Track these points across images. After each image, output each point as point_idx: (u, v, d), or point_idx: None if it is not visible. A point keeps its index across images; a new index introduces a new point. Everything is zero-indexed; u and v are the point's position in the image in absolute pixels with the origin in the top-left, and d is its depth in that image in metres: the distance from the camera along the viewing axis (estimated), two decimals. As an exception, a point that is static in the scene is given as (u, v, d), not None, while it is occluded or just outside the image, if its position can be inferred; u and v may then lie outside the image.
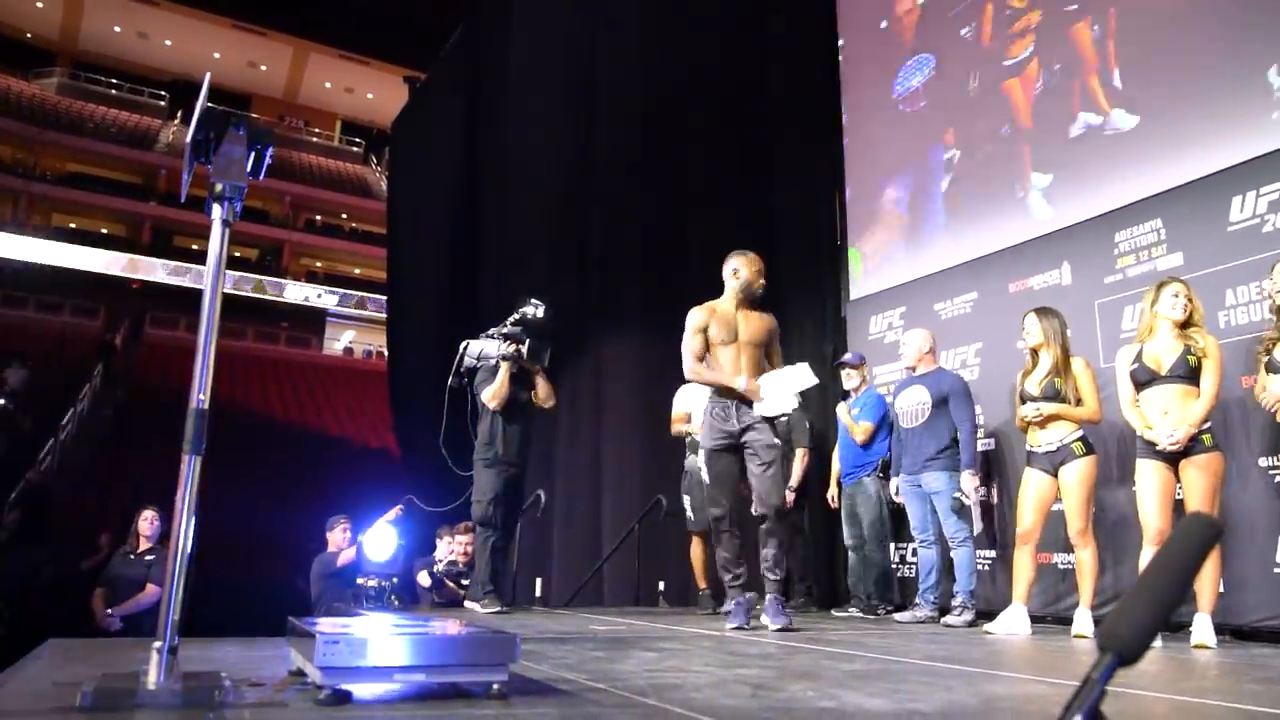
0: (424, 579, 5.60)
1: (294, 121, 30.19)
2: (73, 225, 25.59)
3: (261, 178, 1.70)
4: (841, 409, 5.15)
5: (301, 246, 27.86)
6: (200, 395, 1.56)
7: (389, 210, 14.08)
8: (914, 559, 5.09)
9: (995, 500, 4.88)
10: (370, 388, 20.44)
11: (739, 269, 3.93)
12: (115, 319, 21.85)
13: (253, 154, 1.63)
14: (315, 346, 25.84)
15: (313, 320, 26.75)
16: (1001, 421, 4.84)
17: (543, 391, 4.78)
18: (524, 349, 4.58)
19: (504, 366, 4.60)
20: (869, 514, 4.92)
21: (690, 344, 3.87)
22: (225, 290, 1.66)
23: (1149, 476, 3.40)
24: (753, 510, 3.70)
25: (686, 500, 5.15)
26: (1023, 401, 3.90)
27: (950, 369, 4.99)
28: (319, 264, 28.64)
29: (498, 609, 4.35)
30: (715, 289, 5.23)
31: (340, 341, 27.28)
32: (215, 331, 1.60)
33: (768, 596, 3.65)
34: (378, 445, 17.39)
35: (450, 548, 5.83)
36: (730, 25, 7.12)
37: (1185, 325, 3.46)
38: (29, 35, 26.76)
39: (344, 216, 28.75)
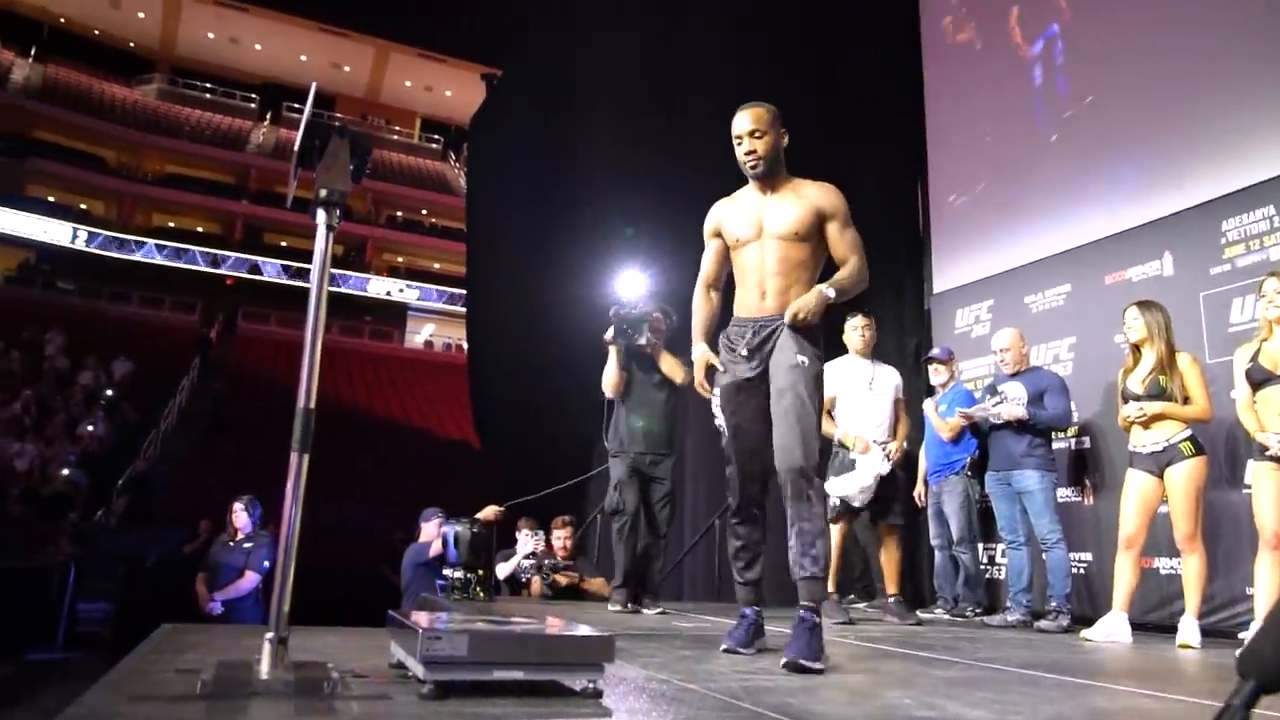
0: (501, 572, 5.62)
1: (375, 120, 30.98)
2: (171, 224, 26.82)
3: (360, 181, 1.75)
4: (928, 405, 4.99)
5: (384, 242, 28.61)
6: (307, 395, 1.61)
7: (468, 205, 14.33)
8: (1003, 560, 4.95)
9: (1091, 501, 4.70)
10: (450, 380, 20.91)
11: (737, 130, 2.77)
12: (211, 314, 22.82)
13: (354, 160, 1.67)
14: (397, 340, 26.52)
15: (395, 314, 27.46)
16: (1098, 418, 4.66)
17: (665, 367, 4.32)
18: (615, 330, 4.27)
19: (611, 351, 4.34)
20: (956, 513, 4.78)
21: (703, 261, 2.96)
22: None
23: (1264, 480, 3.23)
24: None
25: (833, 479, 4.66)
26: (1125, 400, 3.73)
27: (1044, 365, 4.82)
28: (400, 259, 29.37)
29: (618, 608, 4.09)
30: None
31: (421, 335, 27.94)
32: (321, 332, 1.65)
33: (798, 608, 2.46)
34: (458, 436, 17.78)
35: (530, 541, 5.59)
36: (807, 14, 7.01)
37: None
38: (131, 45, 28.11)
39: (424, 212, 29.40)
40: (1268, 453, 3.21)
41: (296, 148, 1.64)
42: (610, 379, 4.32)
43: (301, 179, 1.80)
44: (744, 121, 2.77)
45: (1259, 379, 3.31)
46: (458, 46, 26.57)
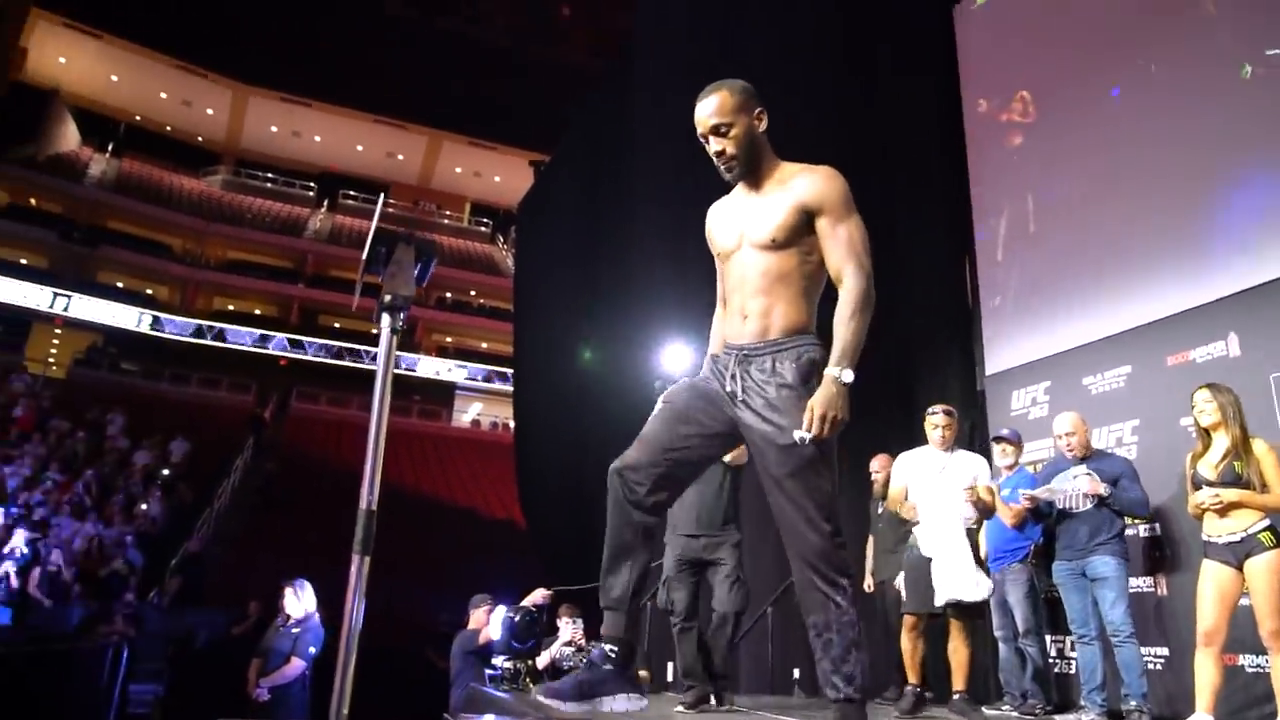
0: (541, 660, 5.45)
1: (427, 205, 32.01)
2: (231, 307, 27.76)
3: (424, 285, 1.79)
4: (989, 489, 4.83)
5: (433, 323, 29.20)
6: (370, 496, 1.62)
7: (515, 286, 14.61)
8: (1072, 654, 4.72)
9: (1165, 591, 4.49)
10: (496, 459, 20.98)
11: (699, 126, 2.29)
12: (266, 394, 23.36)
13: (418, 266, 1.72)
14: (445, 419, 26.80)
15: (443, 393, 27.82)
16: (1167, 505, 4.48)
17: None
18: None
19: None
20: (1021, 603, 4.57)
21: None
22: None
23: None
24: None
25: (901, 578, 4.64)
26: (1196, 487, 3.59)
27: (1109, 449, 4.68)
28: (449, 339, 29.91)
29: (682, 710, 3.74)
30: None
31: (468, 414, 28.21)
32: (384, 432, 1.67)
33: None
34: (504, 516, 17.73)
35: (569, 628, 5.32)
36: (850, 88, 7.14)
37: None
38: (200, 139, 29.65)
39: (472, 293, 30.03)
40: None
41: (364, 255, 1.69)
42: None
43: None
44: (705, 113, 2.25)
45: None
46: (506, 134, 27.56)
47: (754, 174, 2.28)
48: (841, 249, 2.17)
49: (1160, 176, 4.98)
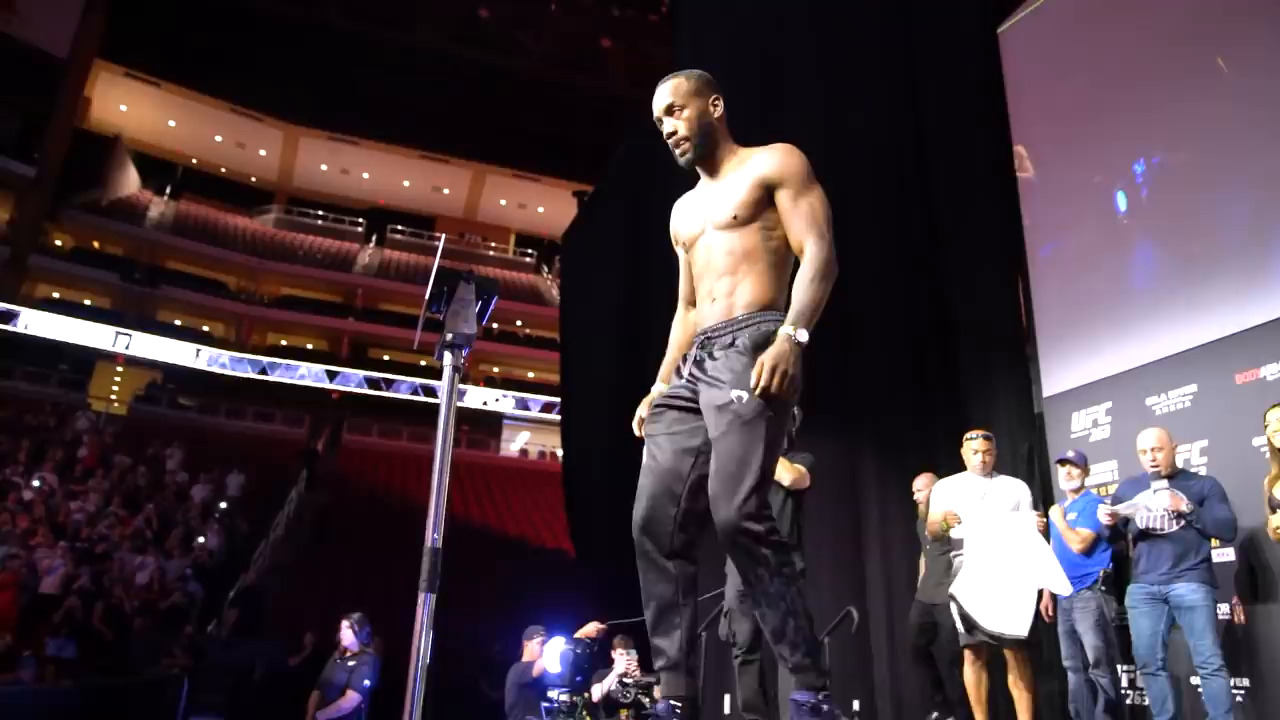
0: (595, 693, 5.38)
1: (473, 237, 32.50)
2: (283, 342, 28.40)
3: (484, 323, 1.81)
4: (1055, 513, 4.65)
5: (480, 353, 29.53)
6: (435, 534, 1.63)
7: (560, 316, 14.73)
8: (1143, 684, 4.53)
9: (1243, 619, 4.31)
10: (545, 488, 21.04)
11: (654, 110, 2.29)
12: (318, 427, 23.78)
13: (479, 303, 1.74)
14: (493, 448, 26.99)
15: (490, 423, 28.05)
16: (1244, 529, 4.31)
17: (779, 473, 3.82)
18: None
19: None
20: (1091, 632, 4.41)
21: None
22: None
23: None
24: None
25: (954, 608, 4.49)
26: (1273, 510, 3.46)
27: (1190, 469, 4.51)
28: (496, 369, 30.21)
29: None
30: (881, 388, 4.95)
31: (515, 443, 28.38)
32: (448, 470, 1.68)
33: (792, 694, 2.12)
34: (553, 545, 17.74)
35: (624, 660, 5.27)
36: (895, 113, 7.10)
37: None
38: (253, 179, 30.55)
39: (518, 323, 30.32)
40: None
41: (427, 293, 1.72)
42: None
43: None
44: (659, 95, 2.24)
45: None
46: (549, 166, 27.94)
47: (710, 160, 2.27)
48: (803, 220, 2.13)
49: (1225, 190, 4.85)
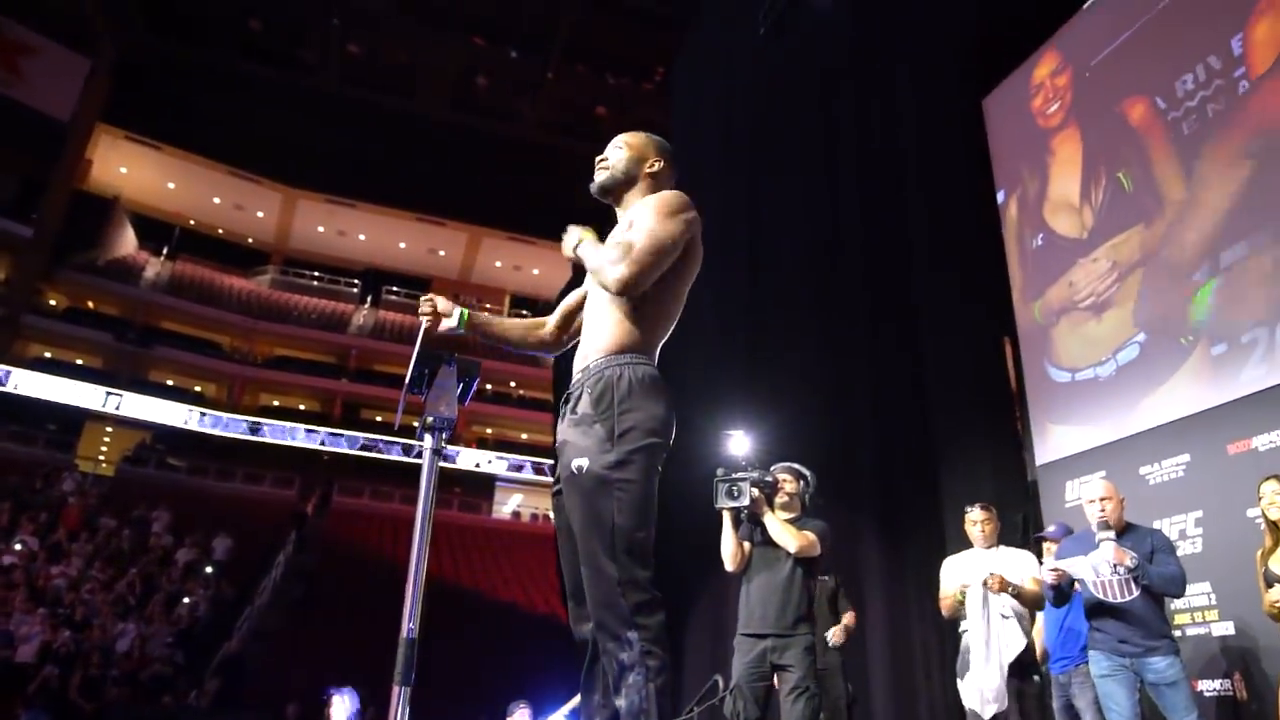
0: None
1: (467, 299, 32.64)
2: (275, 403, 28.29)
3: (467, 404, 1.80)
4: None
5: (473, 415, 29.42)
6: (410, 625, 1.58)
7: (554, 377, 14.69)
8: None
9: (1244, 695, 4.22)
10: (537, 550, 20.77)
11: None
12: (309, 488, 23.54)
13: (461, 384, 1.73)
14: (485, 511, 26.71)
15: (483, 485, 27.81)
16: (1240, 602, 4.25)
17: (772, 531, 3.80)
18: (719, 494, 3.82)
19: (724, 518, 3.88)
20: (1090, 710, 4.27)
21: None
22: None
23: None
24: None
25: (962, 685, 4.31)
26: (1268, 585, 3.41)
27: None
28: (489, 430, 30.07)
29: None
30: (875, 461, 4.90)
31: (508, 505, 28.09)
32: (426, 555, 1.64)
33: None
34: (545, 610, 17.44)
35: None
36: (879, 180, 7.22)
37: None
38: (250, 240, 30.81)
39: (512, 384, 30.31)
40: None
41: (408, 378, 1.71)
42: (724, 550, 3.87)
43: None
44: (616, 139, 2.36)
45: None
46: (544, 229, 28.25)
47: (620, 200, 2.32)
48: (625, 239, 2.09)
49: (1207, 254, 4.91)
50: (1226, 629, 4.34)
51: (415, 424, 1.76)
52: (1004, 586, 3.99)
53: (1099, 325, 5.58)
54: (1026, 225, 6.36)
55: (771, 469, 4.03)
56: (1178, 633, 4.50)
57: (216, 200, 28.80)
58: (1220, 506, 4.47)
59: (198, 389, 27.34)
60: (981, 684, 3.97)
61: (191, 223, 29.52)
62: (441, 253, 31.68)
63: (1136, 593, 3.59)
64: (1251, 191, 4.66)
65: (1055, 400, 5.87)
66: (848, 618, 5.06)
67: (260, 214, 29.72)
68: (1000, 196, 6.64)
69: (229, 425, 25.66)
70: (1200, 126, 5.01)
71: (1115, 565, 3.58)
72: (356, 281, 31.49)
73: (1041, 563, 4.59)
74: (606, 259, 2.06)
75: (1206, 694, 4.35)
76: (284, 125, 25.05)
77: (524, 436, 29.42)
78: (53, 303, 25.09)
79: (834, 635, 4.90)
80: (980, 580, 4.06)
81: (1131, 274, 5.38)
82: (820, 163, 7.77)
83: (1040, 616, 4.61)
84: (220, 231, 30.22)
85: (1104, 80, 5.79)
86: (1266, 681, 3.99)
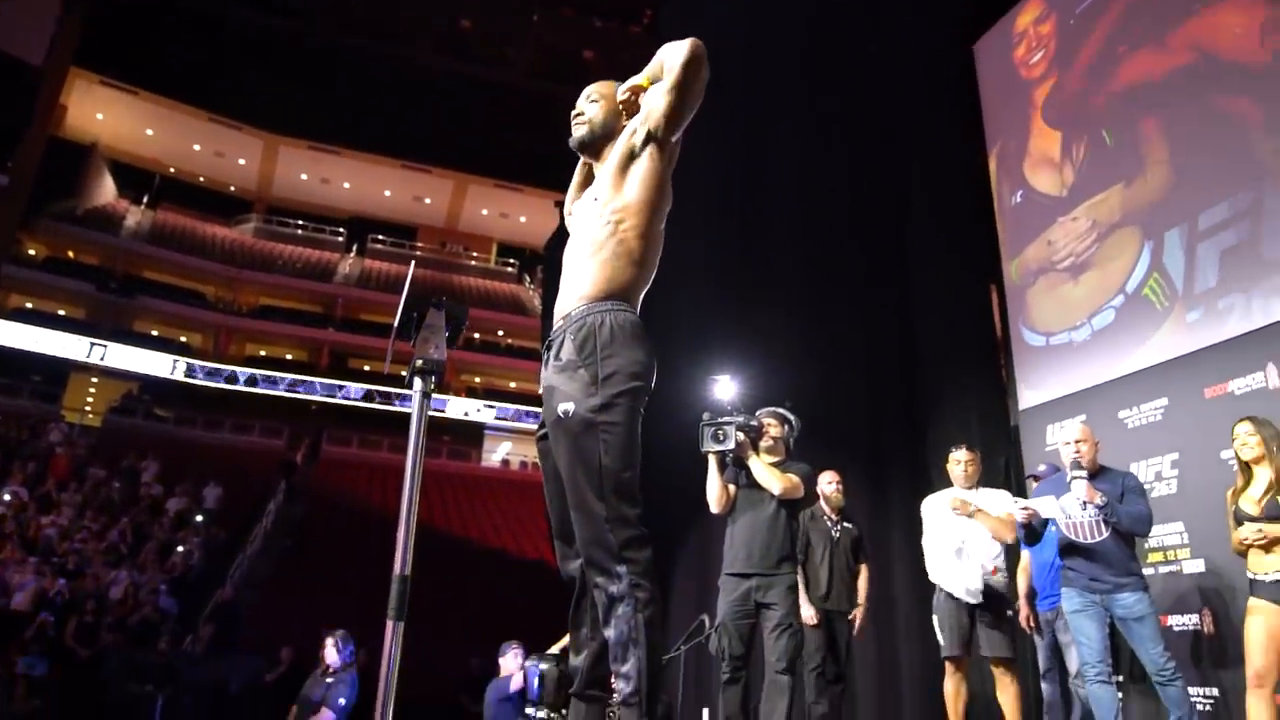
0: None
1: (454, 247, 32.44)
2: (262, 352, 28.19)
3: (455, 346, 1.82)
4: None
5: (461, 363, 29.43)
6: (404, 560, 1.63)
7: (543, 326, 14.70)
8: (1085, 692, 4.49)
9: (1212, 630, 4.36)
10: (527, 498, 20.98)
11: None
12: (297, 438, 23.59)
13: (449, 329, 1.74)
14: (475, 459, 26.88)
15: (472, 433, 27.94)
16: (1212, 541, 4.37)
17: (757, 473, 3.89)
18: (705, 437, 3.86)
19: (710, 462, 3.95)
20: (1073, 645, 4.46)
21: None
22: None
23: None
24: None
25: (936, 620, 4.51)
26: (1238, 523, 3.51)
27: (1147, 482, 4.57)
28: (478, 379, 30.12)
29: None
30: (862, 406, 4.96)
31: (497, 453, 28.27)
32: (417, 497, 1.68)
33: None
34: (534, 556, 17.68)
35: None
36: (870, 132, 7.18)
37: None
38: (232, 188, 30.36)
39: (500, 333, 30.27)
40: None
41: (396, 322, 1.72)
42: (710, 493, 3.96)
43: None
44: (588, 89, 2.37)
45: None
46: (531, 176, 27.93)
47: (599, 155, 2.30)
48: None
49: (1187, 205, 4.93)
50: (1198, 566, 4.47)
51: (404, 373, 1.77)
52: (965, 508, 4.16)
53: (1076, 287, 5.62)
54: (1006, 181, 6.35)
55: (757, 413, 4.09)
56: (1151, 570, 4.63)
57: (196, 147, 28.28)
58: (1196, 449, 4.56)
59: (183, 339, 27.20)
60: (964, 580, 4.18)
61: (171, 170, 29.04)
62: (427, 200, 31.34)
63: (1107, 533, 3.78)
64: (1233, 153, 4.67)
65: (1027, 363, 5.93)
66: (862, 592, 4.98)
67: (241, 161, 29.24)
68: (990, 148, 6.61)
69: (215, 375, 25.59)
70: (1186, 82, 5.00)
71: (1085, 503, 3.75)
72: (341, 230, 31.17)
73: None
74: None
75: (1176, 629, 4.49)
76: (264, 70, 24.49)
77: (512, 385, 29.49)
78: (32, 253, 24.75)
79: (857, 622, 4.93)
80: (949, 505, 4.24)
81: (1111, 235, 5.40)
82: (811, 109, 7.71)
83: (1026, 557, 4.76)
84: (201, 179, 29.76)
85: (1089, 29, 5.73)
86: (1232, 617, 4.13)
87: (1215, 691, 4.29)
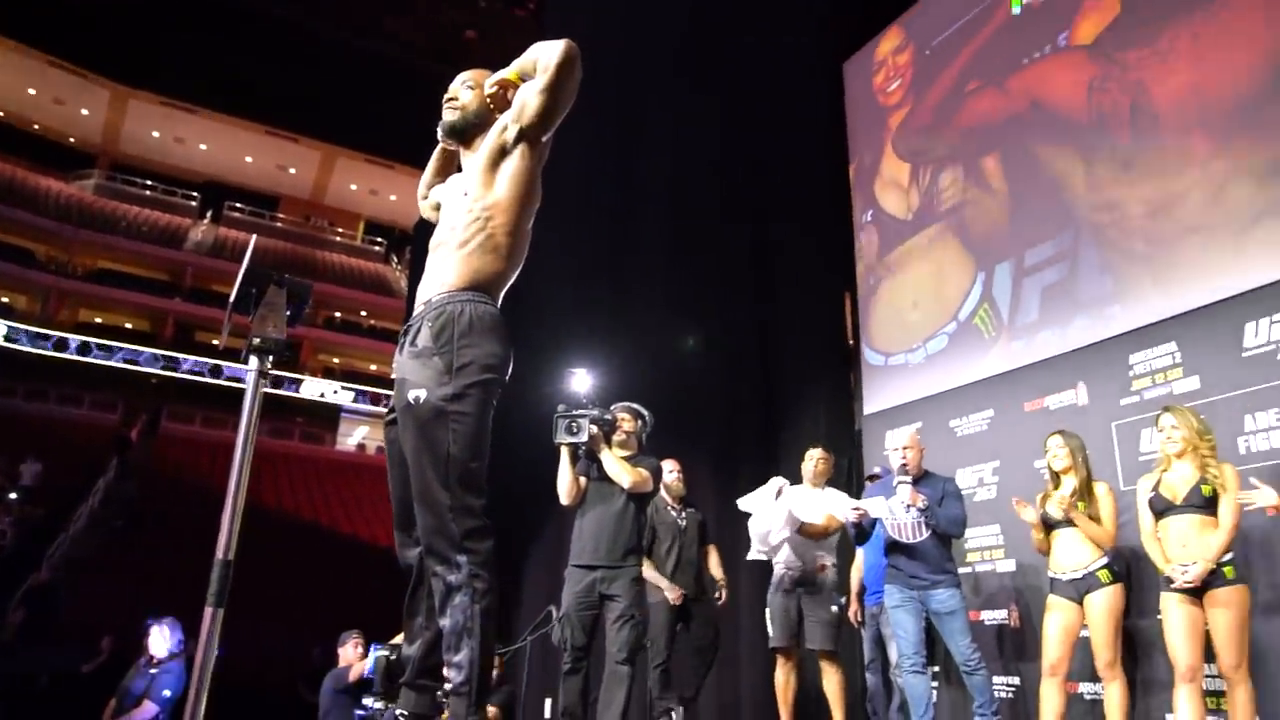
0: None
1: (318, 221, 31.07)
2: (99, 320, 26.12)
3: (296, 326, 1.77)
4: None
5: (320, 343, 28.26)
6: (226, 545, 1.57)
7: (408, 309, 14.30)
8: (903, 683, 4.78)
9: (1017, 624, 4.76)
10: (381, 484, 20.37)
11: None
12: (134, 413, 22.05)
13: (291, 307, 1.70)
14: (329, 442, 25.89)
15: (328, 416, 26.89)
16: (1024, 543, 4.76)
17: (608, 466, 3.94)
18: (558, 429, 3.90)
19: (562, 453, 3.97)
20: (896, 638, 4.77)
21: None
22: (243, 387, 1.69)
23: (1174, 611, 3.33)
24: None
25: (768, 612, 4.72)
26: (1045, 526, 3.86)
27: (969, 489, 4.94)
28: (336, 360, 28.99)
29: None
30: (717, 403, 5.11)
31: (353, 438, 27.33)
32: (246, 479, 1.63)
33: None
34: (386, 543, 17.20)
35: None
36: (737, 124, 7.39)
37: (1196, 454, 3.42)
38: (71, 139, 27.94)
39: (363, 314, 29.25)
40: (1173, 585, 3.33)
41: (233, 296, 1.66)
42: (560, 484, 3.99)
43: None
44: (463, 75, 2.35)
45: (1161, 509, 3.47)
46: (404, 153, 27.06)
47: (470, 143, 2.29)
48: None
49: (1016, 241, 5.34)
50: (1010, 566, 4.87)
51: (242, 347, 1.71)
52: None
53: (913, 311, 5.99)
54: (860, 197, 6.69)
55: (611, 408, 4.15)
56: (969, 569, 5.01)
57: (32, 91, 25.85)
58: (1014, 457, 4.96)
59: (4, 300, 24.85)
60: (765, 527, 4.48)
61: (1, 114, 26.45)
62: (292, 170, 29.87)
63: (927, 534, 4.13)
64: (1057, 199, 5.09)
65: (869, 376, 6.28)
66: (716, 569, 5.19)
67: (85, 111, 26.94)
68: (851, 161, 6.93)
69: (41, 341, 23.54)
70: (1020, 129, 5.41)
71: (909, 506, 4.08)
72: (195, 194, 29.26)
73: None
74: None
75: (988, 623, 4.87)
76: (115, 16, 22.62)
77: (373, 368, 28.54)
78: None
79: (723, 596, 5.14)
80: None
81: (948, 263, 5.78)
82: (686, 104, 7.83)
83: (860, 555, 5.04)
84: (36, 127, 27.24)
85: (943, 64, 6.10)
86: (1036, 613, 4.51)
87: (1017, 680, 4.69)
